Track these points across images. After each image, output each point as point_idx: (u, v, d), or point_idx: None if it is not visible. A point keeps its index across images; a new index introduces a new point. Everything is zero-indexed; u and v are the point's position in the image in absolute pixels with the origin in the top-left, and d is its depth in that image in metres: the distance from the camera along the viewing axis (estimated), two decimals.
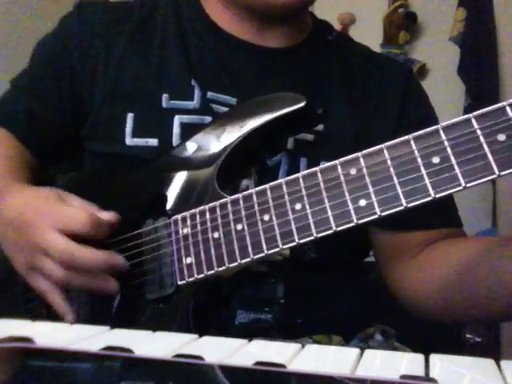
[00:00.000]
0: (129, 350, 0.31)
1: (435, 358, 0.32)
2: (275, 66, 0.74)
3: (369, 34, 2.22)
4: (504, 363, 0.31)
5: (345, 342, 0.70)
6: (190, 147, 0.63)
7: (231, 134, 0.61)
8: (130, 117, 0.70)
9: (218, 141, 0.61)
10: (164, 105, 0.70)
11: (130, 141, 0.70)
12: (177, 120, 0.69)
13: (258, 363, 0.30)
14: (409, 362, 0.32)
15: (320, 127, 0.70)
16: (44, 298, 0.62)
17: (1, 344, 0.32)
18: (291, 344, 0.35)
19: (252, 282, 0.64)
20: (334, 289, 0.71)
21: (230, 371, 0.30)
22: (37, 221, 0.58)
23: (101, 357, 0.31)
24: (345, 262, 0.73)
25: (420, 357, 0.32)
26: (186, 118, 0.69)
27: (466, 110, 2.02)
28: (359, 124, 0.73)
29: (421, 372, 0.30)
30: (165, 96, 0.70)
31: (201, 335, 0.37)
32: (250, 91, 0.68)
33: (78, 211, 0.58)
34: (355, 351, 0.33)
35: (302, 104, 0.58)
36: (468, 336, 1.68)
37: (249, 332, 0.63)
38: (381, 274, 0.75)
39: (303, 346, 0.35)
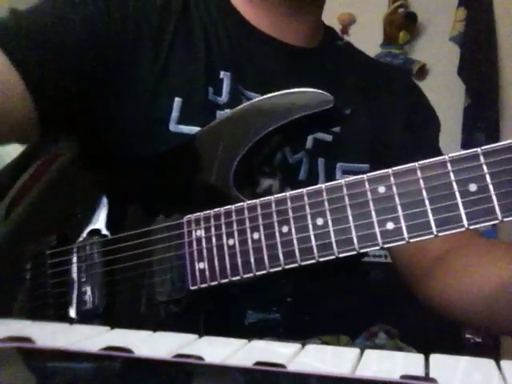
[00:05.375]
0: (129, 350, 0.31)
1: (435, 358, 0.32)
2: (300, 66, 0.74)
3: (369, 34, 2.22)
4: (504, 363, 0.31)
5: (352, 341, 0.70)
6: (209, 143, 0.61)
7: (251, 131, 0.58)
8: (177, 101, 0.67)
9: (236, 137, 0.59)
10: (210, 97, 0.68)
11: (173, 127, 0.66)
12: (218, 115, 0.68)
13: (257, 363, 0.30)
14: (409, 361, 0.32)
15: (337, 129, 0.71)
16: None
17: (1, 344, 0.32)
18: (291, 344, 0.35)
19: (260, 281, 0.64)
20: (339, 288, 0.71)
21: (231, 371, 0.30)
22: None
23: (101, 357, 0.31)
24: (348, 264, 0.73)
25: (420, 357, 0.32)
26: (220, 114, 0.68)
27: (466, 110, 2.02)
28: (374, 128, 0.74)
29: (421, 372, 0.30)
30: (210, 89, 0.69)
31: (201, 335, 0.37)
32: (275, 89, 0.63)
33: None
34: (355, 351, 0.33)
35: (330, 105, 0.56)
36: (468, 336, 1.68)
37: (258, 331, 0.62)
38: (405, 280, 0.73)
39: (303, 345, 0.35)
